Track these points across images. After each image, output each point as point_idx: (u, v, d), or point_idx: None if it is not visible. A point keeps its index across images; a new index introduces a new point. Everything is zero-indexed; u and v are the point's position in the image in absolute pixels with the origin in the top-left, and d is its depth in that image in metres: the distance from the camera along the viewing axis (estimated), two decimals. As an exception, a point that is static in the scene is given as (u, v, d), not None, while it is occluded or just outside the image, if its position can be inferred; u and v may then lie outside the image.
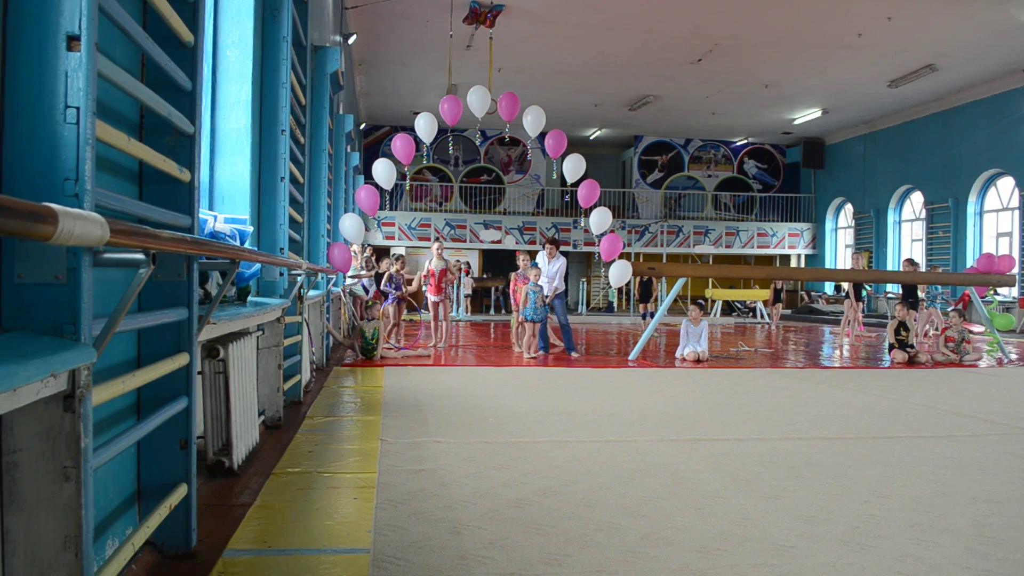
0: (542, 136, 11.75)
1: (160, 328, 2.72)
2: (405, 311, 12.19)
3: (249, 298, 4.74)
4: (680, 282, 11.05)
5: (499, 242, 24.35)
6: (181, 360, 2.76)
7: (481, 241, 24.46)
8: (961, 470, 4.38)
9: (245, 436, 4.15)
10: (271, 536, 3.09)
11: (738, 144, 28.01)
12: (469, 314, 20.57)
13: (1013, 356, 11.72)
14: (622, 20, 15.12)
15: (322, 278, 8.79)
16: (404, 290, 11.39)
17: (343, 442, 4.90)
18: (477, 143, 25.87)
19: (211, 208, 5.23)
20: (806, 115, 23.25)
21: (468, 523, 3.23)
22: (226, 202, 5.38)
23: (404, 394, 6.83)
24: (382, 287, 11.24)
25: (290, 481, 3.89)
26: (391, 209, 23.61)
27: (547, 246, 11.15)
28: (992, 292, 14.23)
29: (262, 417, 5.11)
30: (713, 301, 22.48)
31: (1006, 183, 19.48)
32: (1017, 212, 18.91)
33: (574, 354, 10.62)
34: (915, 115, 21.99)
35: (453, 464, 4.25)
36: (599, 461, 4.39)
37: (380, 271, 11.69)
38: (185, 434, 2.83)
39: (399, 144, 11.15)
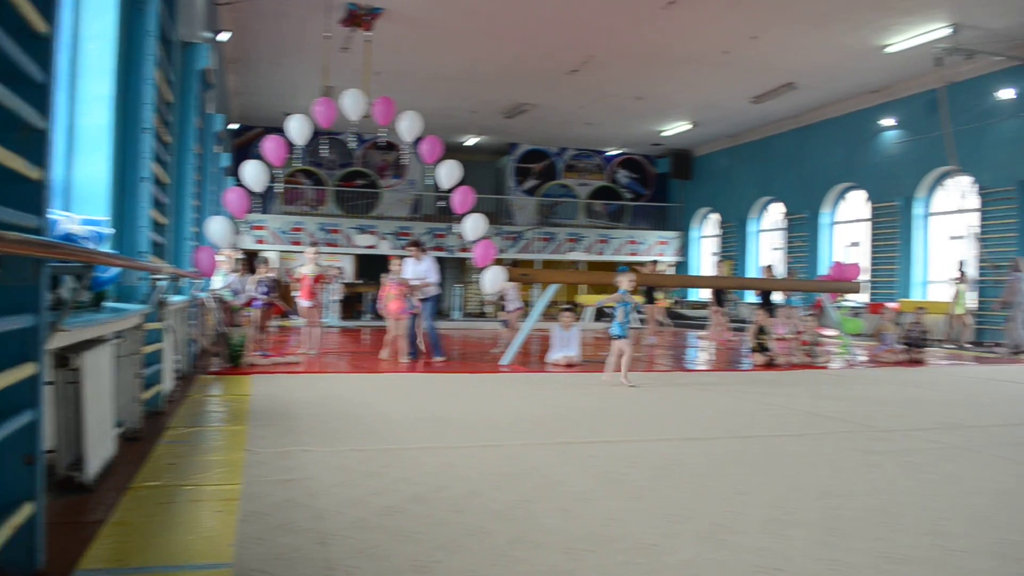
0: (418, 141, 11.72)
1: (3, 336, 2.56)
2: (278, 317, 11.90)
3: (106, 304, 4.53)
4: (553, 288, 11.22)
5: (374, 247, 24.08)
6: (28, 370, 2.61)
7: (355, 246, 24.14)
8: (813, 466, 4.63)
9: (100, 449, 3.96)
10: (127, 554, 2.95)
11: (611, 154, 28.72)
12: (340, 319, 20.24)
13: (861, 358, 12.46)
14: (500, 29, 15.26)
15: (187, 283, 8.48)
16: (274, 295, 11.11)
17: (207, 453, 4.74)
18: (352, 147, 25.54)
19: (67, 209, 4.96)
20: (675, 127, 24.08)
21: (336, 533, 3.18)
22: (83, 202, 5.12)
23: (273, 402, 6.66)
24: (248, 291, 10.91)
25: (148, 495, 3.73)
26: (262, 212, 22.99)
27: (411, 248, 11.07)
28: (843, 298, 15.11)
29: (120, 429, 4.87)
30: (584, 306, 22.91)
31: (858, 196, 20.76)
32: (867, 223, 20.16)
33: (439, 359, 10.59)
34: (776, 130, 23.13)
35: (322, 473, 4.17)
36: (470, 466, 4.41)
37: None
38: (31, 449, 2.67)
39: (270, 146, 10.87)
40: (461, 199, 11.15)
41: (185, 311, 8.40)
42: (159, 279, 5.77)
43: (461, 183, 11.40)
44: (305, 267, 11.53)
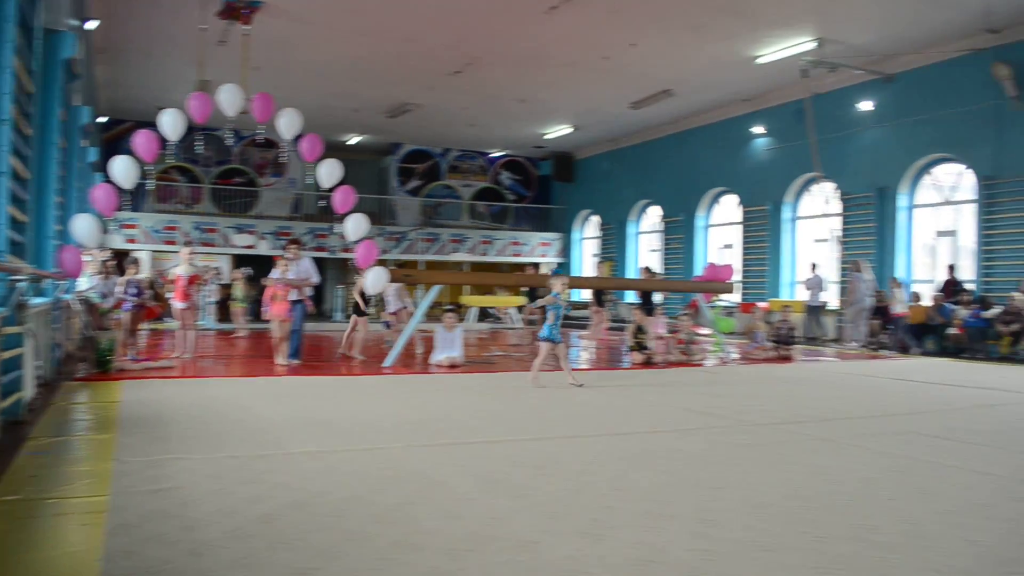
0: (298, 139, 11.48)
1: None
2: (150, 320, 11.42)
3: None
4: (436, 289, 11.19)
5: (253, 247, 23.43)
6: None
7: (233, 246, 23.43)
8: (687, 460, 4.78)
9: (-50, 461, 3.70)
10: (-20, 572, 2.78)
11: (494, 155, 28.91)
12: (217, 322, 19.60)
13: (734, 356, 12.95)
14: (383, 27, 15.11)
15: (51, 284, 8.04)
16: (145, 296, 10.64)
17: (72, 464, 4.50)
18: (230, 143, 24.78)
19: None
20: (557, 131, 24.45)
21: (211, 543, 3.08)
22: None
23: (144, 409, 6.39)
24: (117, 292, 10.42)
25: (7, 510, 3.52)
26: (133, 210, 21.99)
27: (290, 247, 10.78)
28: (717, 298, 15.69)
29: (-27, 439, 4.58)
30: (468, 307, 22.98)
31: (730, 200, 21.60)
32: (739, 226, 21.00)
33: (295, 362, 10.32)
34: (654, 135, 23.79)
35: (196, 481, 4.03)
36: (351, 470, 4.35)
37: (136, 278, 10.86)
38: None
39: (142, 140, 10.41)
40: (342, 199, 10.98)
41: (48, 314, 7.95)
42: (18, 280, 5.45)
43: (342, 182, 11.23)
44: (179, 268, 11.11)
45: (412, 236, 25.93)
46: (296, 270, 10.47)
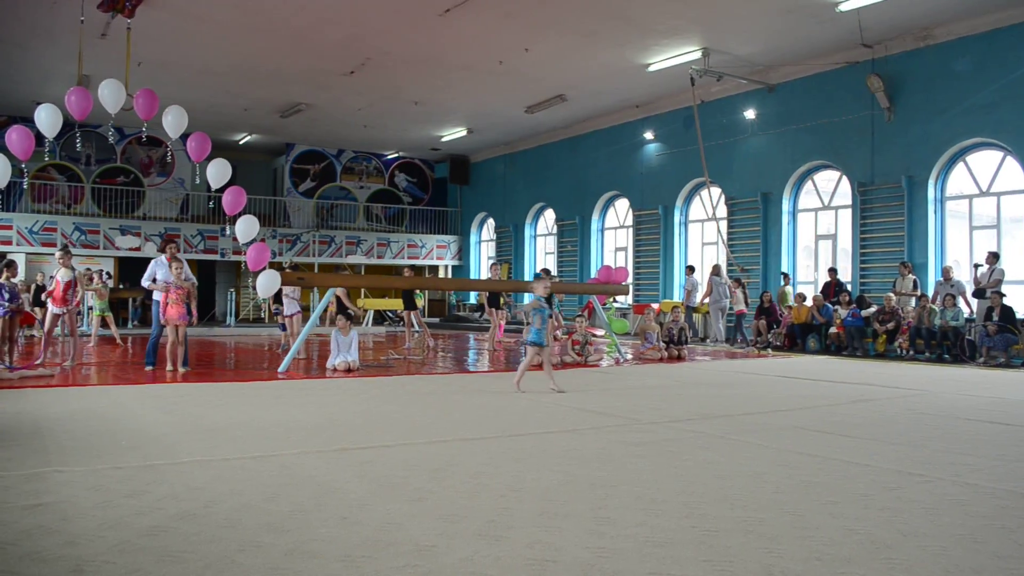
0: (185, 138, 11.12)
1: None
2: (27, 326, 10.83)
3: None
4: (331, 292, 11.02)
5: (138, 249, 22.55)
6: None
7: (117, 248, 22.49)
8: (583, 460, 4.85)
9: None
10: None
11: (390, 157, 28.69)
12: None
13: (628, 356, 13.22)
14: (274, 24, 14.79)
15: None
16: (20, 301, 10.09)
17: (-63, 479, 4.22)
18: (112, 141, 23.77)
19: None
20: (453, 133, 24.45)
21: (94, 559, 2.94)
22: None
23: (20, 420, 6.05)
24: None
25: None
26: (7, 210, 20.83)
27: (169, 247, 10.24)
28: (611, 300, 15.97)
29: None
30: (365, 311, 22.75)
31: (623, 203, 22.05)
32: (631, 229, 21.45)
33: (148, 368, 9.97)
34: (549, 139, 24.08)
35: (78, 495, 3.84)
36: (243, 479, 4.23)
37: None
38: None
39: (15, 137, 9.91)
40: (232, 200, 10.70)
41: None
42: None
43: (232, 183, 10.93)
44: (58, 271, 10.58)
45: (306, 238, 25.46)
46: (176, 272, 9.99)
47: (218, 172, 10.84)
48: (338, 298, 12.03)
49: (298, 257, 24.92)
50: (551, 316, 8.52)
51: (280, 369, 10.21)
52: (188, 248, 22.76)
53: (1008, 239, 14.13)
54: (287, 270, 12.38)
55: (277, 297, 12.22)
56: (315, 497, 3.86)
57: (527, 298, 22.30)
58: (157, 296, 9.94)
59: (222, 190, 10.91)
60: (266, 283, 10.18)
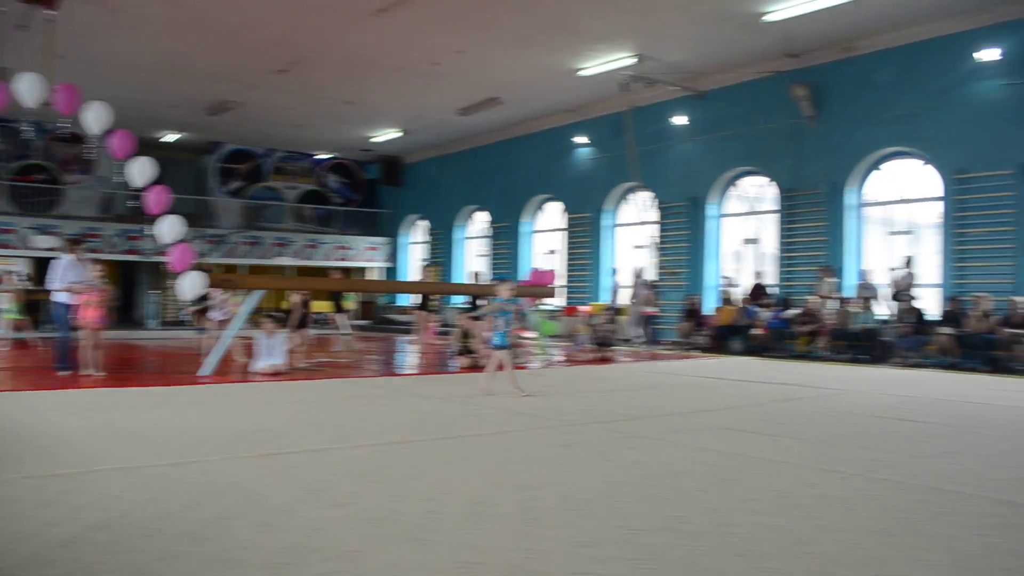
0: (108, 135, 10.79)
1: None
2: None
3: None
4: (258, 294, 10.81)
5: (56, 249, 21.78)
6: None
7: (34, 248, 21.69)
8: (510, 462, 4.87)
9: None
10: None
11: (321, 157, 28.33)
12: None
13: (557, 358, 13.30)
14: (203, 21, 14.47)
15: None
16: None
17: None
18: (30, 137, 22.93)
19: None
20: (385, 134, 24.27)
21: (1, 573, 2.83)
22: None
23: (-76, 426, 5.80)
24: None
25: None
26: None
27: (75, 248, 9.88)
28: (541, 302, 16.05)
29: None
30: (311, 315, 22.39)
31: (555, 207, 22.19)
32: (562, 233, 21.61)
33: (64, 372, 9.62)
34: (482, 142, 24.09)
35: (-15, 504, 3.70)
36: (162, 487, 4.12)
37: None
38: None
39: (-77, 132, 9.49)
40: (156, 199, 10.43)
41: None
42: None
43: (157, 182, 10.66)
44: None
45: (233, 239, 24.96)
46: (84, 272, 9.65)
47: (142, 170, 10.55)
48: (303, 302, 11.76)
49: (224, 258, 24.41)
50: (511, 316, 8.54)
51: (203, 373, 9.98)
52: (109, 248, 22.10)
53: (922, 244, 14.65)
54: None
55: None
56: (237, 504, 3.78)
57: (456, 301, 22.27)
58: (62, 298, 9.59)
59: (145, 189, 10.63)
60: (190, 285, 9.95)
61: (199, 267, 10.75)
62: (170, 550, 3.10)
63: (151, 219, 10.67)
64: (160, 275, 24.75)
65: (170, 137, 24.73)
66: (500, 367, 8.35)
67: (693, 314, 16.40)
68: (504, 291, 8.55)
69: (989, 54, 13.10)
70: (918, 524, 3.58)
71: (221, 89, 19.28)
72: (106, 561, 2.96)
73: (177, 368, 11.11)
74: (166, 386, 8.91)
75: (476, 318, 12.75)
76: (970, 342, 12.30)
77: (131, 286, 25.16)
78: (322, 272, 26.57)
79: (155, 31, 15.06)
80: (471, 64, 16.79)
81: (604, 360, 13.29)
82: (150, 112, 21.37)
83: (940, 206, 14.04)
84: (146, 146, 21.49)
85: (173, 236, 10.35)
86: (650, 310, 16.92)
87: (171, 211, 10.58)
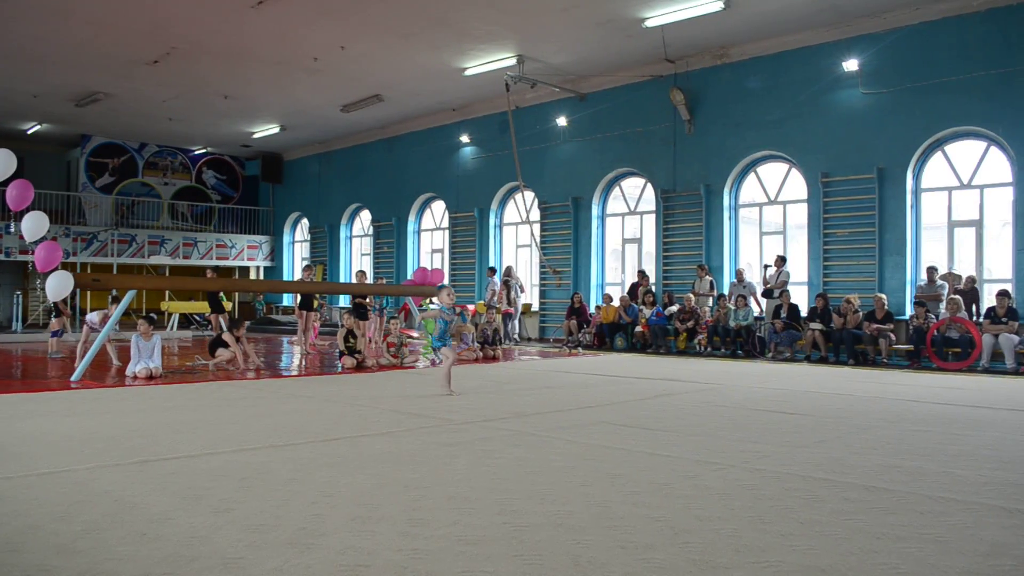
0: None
1: None
2: None
3: None
4: (130, 295, 10.37)
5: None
6: None
7: None
8: (397, 462, 4.84)
9: None
10: None
11: (197, 153, 27.38)
12: None
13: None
14: (67, 6, 13.75)
15: None
16: None
17: None
18: None
19: None
20: (265, 130, 23.67)
21: None
22: None
23: None
24: None
25: None
26: None
27: None
28: (428, 302, 16.00)
29: None
30: (170, 314, 21.61)
31: (439, 205, 22.16)
32: (447, 231, 21.61)
33: None
34: (365, 139, 23.82)
35: None
36: (29, 498, 3.90)
37: None
38: None
39: None
40: (17, 194, 9.85)
41: None
42: None
43: (18, 175, 10.06)
44: None
45: (104, 237, 23.83)
46: None
47: (2, 163, 9.94)
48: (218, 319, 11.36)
49: (94, 257, 23.29)
50: (450, 323, 8.56)
51: (73, 378, 9.50)
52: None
53: (793, 244, 15.37)
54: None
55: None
56: (111, 514, 3.62)
57: (342, 300, 21.95)
58: None
59: (6, 183, 10.03)
60: (57, 285, 9.44)
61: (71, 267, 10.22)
62: (38, 565, 2.94)
63: (13, 215, 10.07)
64: (24, 275, 23.41)
65: (34, 128, 23.39)
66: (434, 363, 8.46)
67: (576, 312, 16.69)
68: (445, 298, 8.60)
69: (850, 64, 13.87)
70: (790, 511, 3.76)
71: (89, 79, 18.37)
72: (-35, 579, 2.79)
73: (45, 373, 10.53)
74: (33, 392, 8.44)
75: (361, 317, 12.61)
76: (838, 337, 13.00)
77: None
78: (200, 272, 25.76)
79: (15, 17, 14.24)
80: (353, 60, 16.59)
81: (490, 359, 13.37)
82: (10, 101, 20.23)
83: (807, 207, 14.77)
84: (6, 137, 20.43)
85: (37, 233, 9.79)
86: (508, 308, 17.31)
87: (35, 207, 10.02)
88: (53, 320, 13.54)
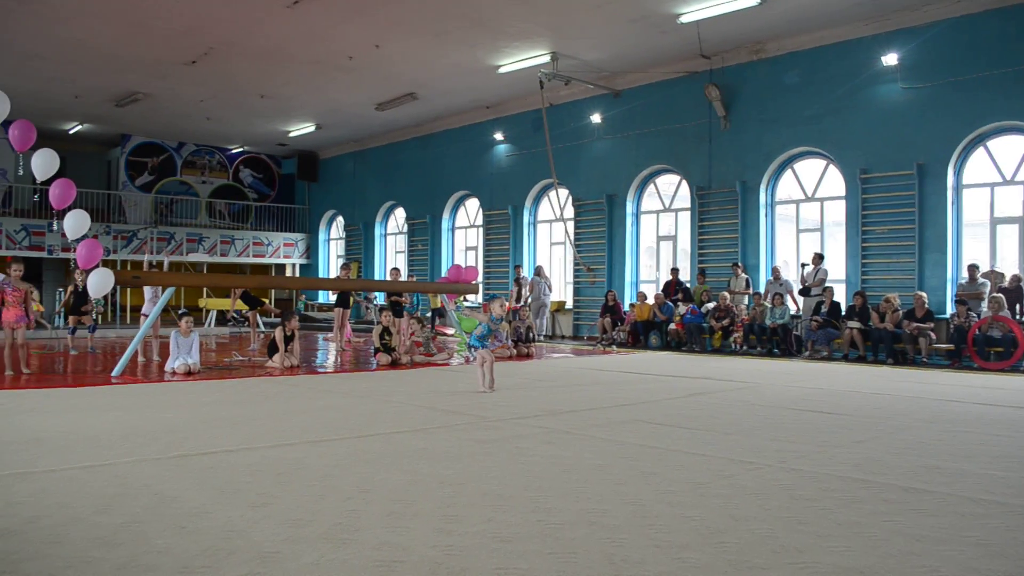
0: (7, 125, 10.32)
1: None
2: None
3: None
4: (169, 291, 10.52)
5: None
6: None
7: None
8: (431, 459, 4.86)
9: None
10: None
11: (234, 152, 27.69)
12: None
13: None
14: (108, 8, 13.97)
15: None
16: None
17: None
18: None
19: None
20: (301, 129, 23.87)
21: None
22: None
23: None
24: None
25: None
26: None
27: None
28: (462, 299, 16.05)
29: None
30: (208, 311, 21.88)
31: (473, 203, 22.19)
32: (481, 229, 21.63)
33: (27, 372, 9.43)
34: (399, 137, 23.91)
35: None
36: (71, 491, 3.98)
37: None
38: None
39: None
40: (60, 193, 10.03)
41: None
42: None
43: (61, 175, 10.25)
44: None
45: (143, 235, 24.19)
46: None
47: (44, 163, 10.12)
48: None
49: (134, 255, 23.61)
50: (493, 331, 8.60)
51: (114, 373, 9.66)
52: (11, 244, 21.18)
53: (831, 241, 15.17)
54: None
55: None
56: (151, 507, 3.68)
57: (380, 298, 22.08)
58: None
59: (49, 182, 10.22)
60: (98, 282, 9.61)
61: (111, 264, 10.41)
62: (80, 556, 2.99)
63: (56, 214, 10.27)
64: (66, 272, 23.83)
65: (75, 128, 23.81)
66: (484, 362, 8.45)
67: (610, 310, 16.63)
68: (496, 309, 8.60)
69: (889, 59, 13.66)
70: (828, 511, 3.71)
71: (129, 79, 18.66)
72: (10, 570, 2.84)
73: (86, 368, 10.73)
74: (76, 387, 8.61)
75: (396, 315, 12.67)
76: (876, 336, 12.82)
77: (36, 284, 24.13)
78: (238, 269, 26.07)
79: (58, 19, 14.49)
80: (387, 59, 16.65)
81: (524, 356, 13.37)
82: (54, 102, 20.57)
83: (845, 204, 14.57)
84: (49, 138, 20.78)
85: (79, 232, 9.96)
86: (516, 305, 17.28)
87: (77, 205, 10.20)
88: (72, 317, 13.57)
